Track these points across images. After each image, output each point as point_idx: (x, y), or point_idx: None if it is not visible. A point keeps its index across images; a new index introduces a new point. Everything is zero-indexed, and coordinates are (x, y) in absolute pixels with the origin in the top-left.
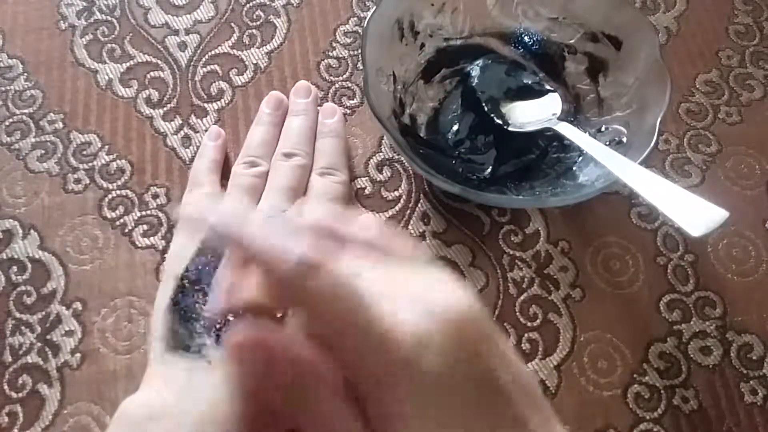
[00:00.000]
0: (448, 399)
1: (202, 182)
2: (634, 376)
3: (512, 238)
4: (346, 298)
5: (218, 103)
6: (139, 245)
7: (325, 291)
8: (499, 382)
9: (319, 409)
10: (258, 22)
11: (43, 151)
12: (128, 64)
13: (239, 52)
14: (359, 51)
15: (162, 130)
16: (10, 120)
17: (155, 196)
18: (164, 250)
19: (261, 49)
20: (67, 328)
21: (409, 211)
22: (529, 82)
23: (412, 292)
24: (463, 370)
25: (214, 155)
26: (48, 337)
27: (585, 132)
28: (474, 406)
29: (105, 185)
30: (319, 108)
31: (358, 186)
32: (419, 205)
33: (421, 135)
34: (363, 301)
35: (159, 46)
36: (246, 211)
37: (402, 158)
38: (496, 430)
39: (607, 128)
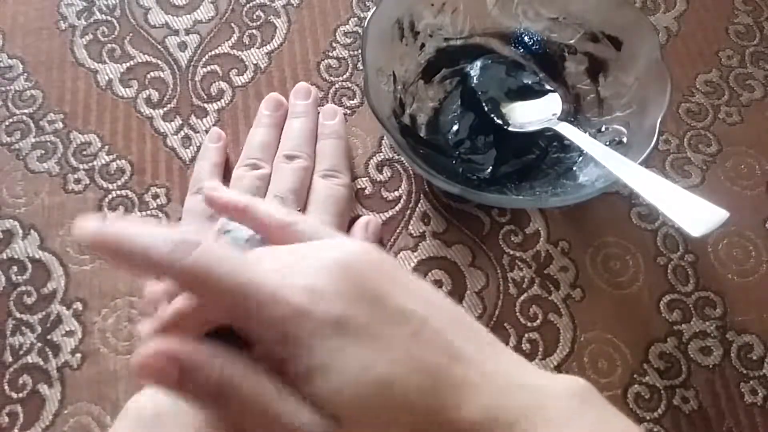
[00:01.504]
0: (355, 339)
1: (204, 186)
2: (634, 376)
3: (512, 238)
4: (228, 268)
5: (218, 103)
6: None
7: (206, 265)
8: (414, 314)
9: (245, 404)
10: (258, 23)
11: (43, 151)
12: (128, 64)
13: (239, 53)
14: (359, 51)
15: (162, 131)
16: (10, 120)
17: (155, 197)
18: None
19: (261, 49)
20: (67, 328)
21: (409, 212)
22: (529, 82)
23: (304, 251)
24: (365, 309)
25: (215, 158)
26: (48, 337)
27: (585, 132)
28: (387, 339)
29: (105, 185)
30: (319, 109)
31: (359, 186)
32: (419, 205)
33: (421, 135)
34: (245, 268)
35: (159, 46)
36: (123, 221)
37: (402, 158)
38: (421, 356)
39: (607, 128)
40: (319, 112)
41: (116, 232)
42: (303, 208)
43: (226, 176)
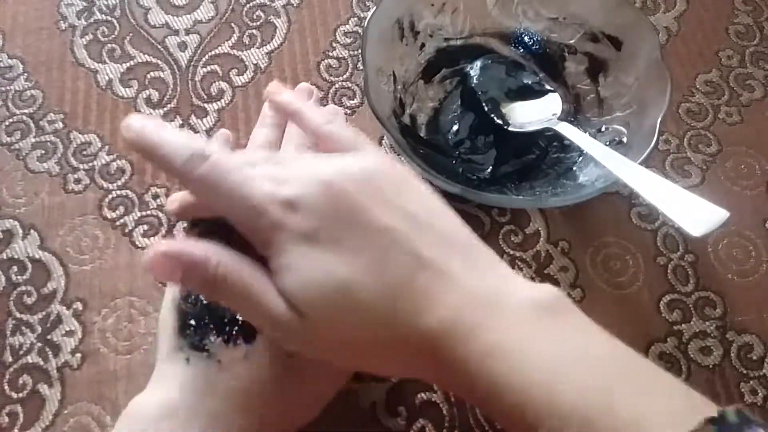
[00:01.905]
0: (323, 247)
1: None
2: None
3: (512, 238)
4: (229, 181)
5: (218, 103)
6: (140, 245)
7: (212, 177)
8: (391, 230)
9: (237, 293)
10: (258, 23)
11: (43, 151)
12: (128, 64)
13: (239, 52)
14: (359, 51)
15: None
16: (10, 120)
17: (155, 197)
18: None
19: (261, 49)
20: (67, 328)
21: None
22: (529, 82)
23: (310, 163)
24: (339, 224)
25: None
26: (48, 337)
27: (585, 132)
28: (355, 249)
29: (105, 185)
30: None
31: None
32: None
33: (421, 135)
34: (245, 180)
35: (159, 46)
36: (156, 120)
37: (402, 158)
38: (385, 265)
39: (607, 128)
40: None
41: (149, 137)
42: None
43: None
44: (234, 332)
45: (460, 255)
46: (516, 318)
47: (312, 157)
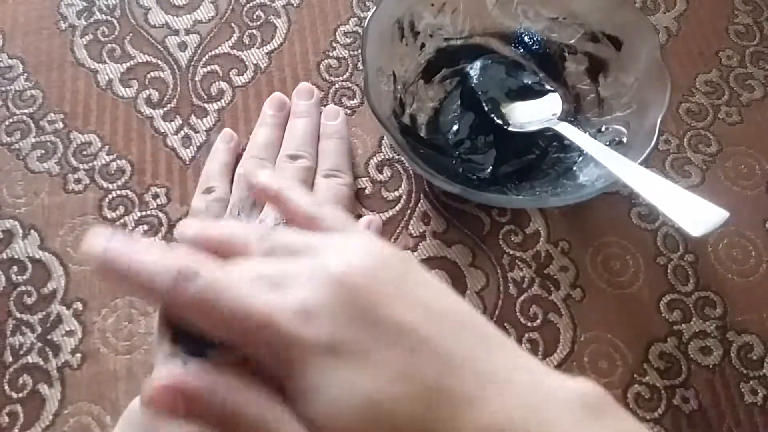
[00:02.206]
0: (346, 360)
1: (213, 186)
2: (635, 376)
3: (512, 238)
4: (226, 299)
5: (218, 103)
6: None
7: (205, 300)
8: (412, 329)
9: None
10: (258, 23)
11: (43, 151)
12: (128, 64)
13: (239, 52)
14: (359, 51)
15: (162, 130)
16: (10, 120)
17: (155, 196)
18: None
19: (261, 49)
20: (67, 328)
21: (409, 212)
22: (529, 82)
23: (302, 260)
24: (358, 328)
25: (225, 158)
26: (48, 337)
27: (585, 132)
28: (380, 358)
29: (105, 185)
30: (321, 109)
31: (359, 186)
32: (419, 205)
33: (421, 135)
34: (243, 296)
35: (159, 46)
36: (124, 236)
37: (402, 158)
38: (413, 374)
39: (607, 128)
40: (321, 112)
41: (118, 265)
42: None
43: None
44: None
45: (478, 340)
46: (567, 418)
47: (301, 237)
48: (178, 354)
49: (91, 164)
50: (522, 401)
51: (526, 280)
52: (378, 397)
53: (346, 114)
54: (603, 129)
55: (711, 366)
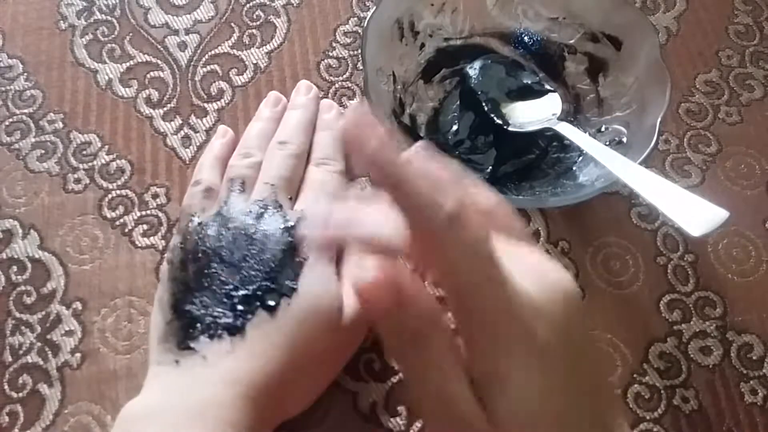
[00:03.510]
0: (550, 366)
1: (201, 177)
2: (634, 376)
3: None
4: (483, 256)
5: (218, 103)
6: (139, 245)
7: (468, 246)
8: (592, 354)
9: (431, 361)
10: (258, 22)
11: (43, 151)
12: (128, 64)
13: (239, 52)
14: (359, 51)
15: (162, 130)
16: (10, 120)
17: (155, 196)
18: (164, 250)
19: (261, 49)
20: (67, 328)
21: None
22: (529, 82)
23: (527, 262)
24: (564, 341)
25: (217, 151)
26: (48, 336)
27: (585, 132)
28: (573, 374)
29: (105, 185)
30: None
31: (359, 186)
32: None
33: (421, 135)
34: (496, 262)
35: (159, 46)
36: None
37: None
38: (593, 397)
39: (607, 128)
40: (318, 108)
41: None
42: (295, 197)
43: None
44: (217, 326)
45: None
46: None
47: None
48: (170, 349)
49: (90, 164)
50: None
51: None
52: (565, 407)
53: None
54: (603, 129)
55: (711, 366)
